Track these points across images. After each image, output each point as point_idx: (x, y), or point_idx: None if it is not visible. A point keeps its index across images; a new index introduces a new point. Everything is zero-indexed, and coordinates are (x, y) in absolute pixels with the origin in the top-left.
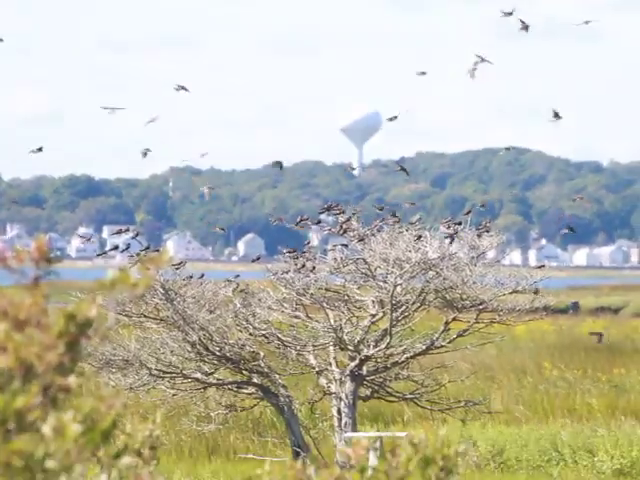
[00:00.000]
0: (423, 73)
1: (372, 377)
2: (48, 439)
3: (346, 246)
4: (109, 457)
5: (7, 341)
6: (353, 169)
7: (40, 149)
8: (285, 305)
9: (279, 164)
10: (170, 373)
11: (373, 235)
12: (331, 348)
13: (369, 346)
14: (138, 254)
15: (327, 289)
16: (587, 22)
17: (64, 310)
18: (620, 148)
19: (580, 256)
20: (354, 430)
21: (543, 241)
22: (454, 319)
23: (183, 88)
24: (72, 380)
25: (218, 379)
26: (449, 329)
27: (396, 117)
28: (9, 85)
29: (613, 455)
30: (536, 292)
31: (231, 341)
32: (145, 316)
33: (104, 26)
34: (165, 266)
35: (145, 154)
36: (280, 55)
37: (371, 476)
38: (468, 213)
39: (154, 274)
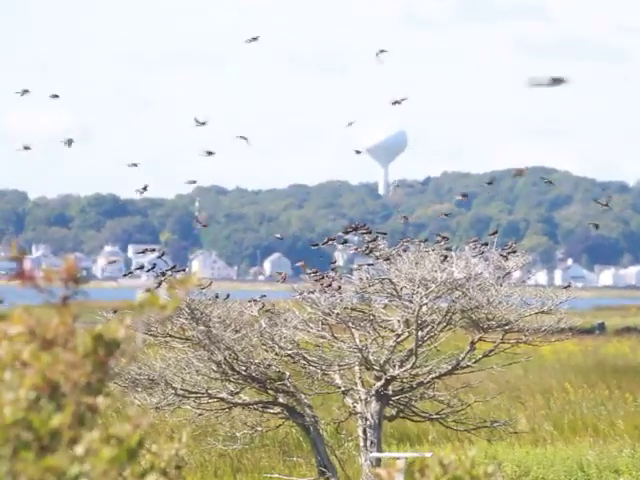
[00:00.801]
0: (384, 51)
1: (398, 397)
2: (81, 458)
3: (372, 265)
4: (135, 476)
5: (34, 360)
6: (400, 100)
7: (211, 153)
8: (311, 325)
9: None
10: (196, 393)
11: (399, 255)
12: (357, 368)
13: (395, 366)
14: (164, 274)
15: (353, 309)
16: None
17: (92, 330)
18: None
19: (606, 276)
20: (379, 450)
21: (569, 261)
22: (480, 339)
23: (202, 124)
24: (100, 400)
25: (244, 399)
26: (475, 349)
27: (399, 102)
28: (36, 102)
29: (638, 476)
30: (568, 286)
31: (257, 361)
32: (171, 336)
33: (132, 44)
34: (193, 288)
35: (68, 142)
36: (305, 74)
37: None
38: (494, 234)
39: (182, 296)
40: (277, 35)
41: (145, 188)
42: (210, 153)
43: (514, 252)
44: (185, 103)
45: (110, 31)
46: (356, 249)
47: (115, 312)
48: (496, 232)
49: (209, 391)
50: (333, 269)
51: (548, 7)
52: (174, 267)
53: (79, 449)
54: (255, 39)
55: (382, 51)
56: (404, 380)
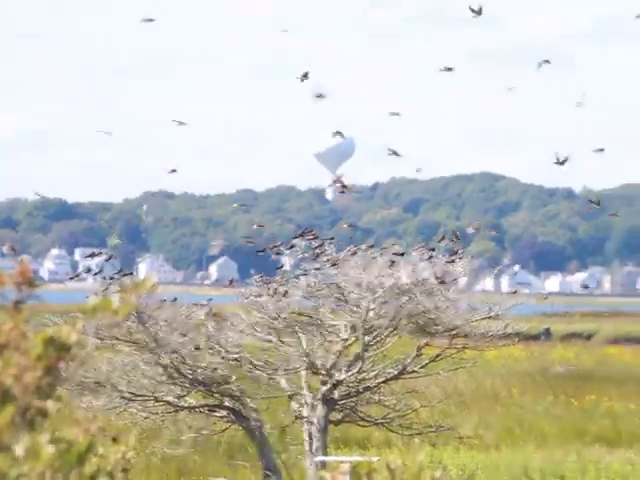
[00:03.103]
0: (396, 114)
1: (344, 401)
2: (21, 460)
3: (319, 269)
4: (83, 479)
5: None
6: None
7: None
8: (257, 329)
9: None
10: (142, 396)
11: (346, 260)
12: (303, 372)
13: (341, 370)
14: (112, 277)
15: (300, 313)
16: (545, 62)
17: (43, 334)
18: (593, 175)
19: (552, 283)
20: (325, 454)
21: (516, 267)
22: (426, 344)
23: (182, 123)
24: (50, 404)
25: (190, 402)
26: (421, 354)
27: (398, 113)
28: None
29: None
30: (545, 298)
31: (203, 364)
32: (118, 339)
33: (82, 50)
34: (146, 293)
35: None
36: (254, 80)
37: None
38: (442, 239)
39: (135, 301)
40: (229, 40)
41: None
42: (181, 123)
43: (461, 258)
44: (133, 108)
45: (60, 36)
46: (303, 254)
47: (64, 316)
48: (444, 238)
49: (155, 394)
50: (280, 274)
51: (500, 14)
52: (121, 270)
53: (19, 450)
54: (151, 20)
55: (448, 69)
56: (350, 385)
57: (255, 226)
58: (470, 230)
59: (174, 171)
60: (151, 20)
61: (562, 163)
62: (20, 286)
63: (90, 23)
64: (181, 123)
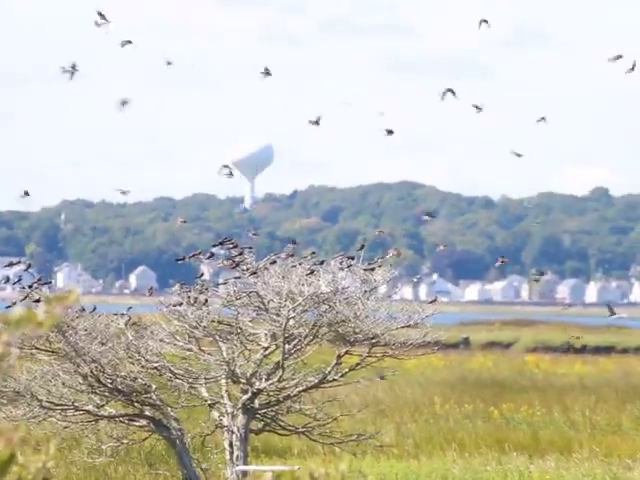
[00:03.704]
0: (316, 123)
1: (264, 410)
2: None
3: (239, 278)
4: None
5: None
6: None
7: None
8: (178, 338)
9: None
10: (62, 405)
11: (266, 269)
12: (223, 381)
13: (261, 379)
14: (30, 286)
15: (220, 322)
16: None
17: None
18: (511, 184)
19: (472, 291)
20: (246, 463)
21: (434, 276)
22: (346, 353)
23: (125, 103)
24: None
25: (110, 411)
26: (341, 363)
27: (392, 132)
28: None
29: None
30: (433, 300)
31: (123, 373)
32: (37, 348)
33: None
34: (71, 305)
35: (25, 194)
36: (173, 88)
37: None
38: (361, 248)
39: (60, 313)
40: (151, 47)
41: (26, 193)
42: (128, 42)
43: (380, 266)
44: (48, 117)
45: None
46: (222, 263)
47: None
48: (363, 246)
49: (75, 403)
50: (199, 283)
51: (414, 24)
52: (40, 279)
53: None
54: (129, 42)
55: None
56: (271, 393)
57: (179, 222)
58: (391, 254)
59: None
60: (129, 42)
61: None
62: None
63: None
64: (124, 103)
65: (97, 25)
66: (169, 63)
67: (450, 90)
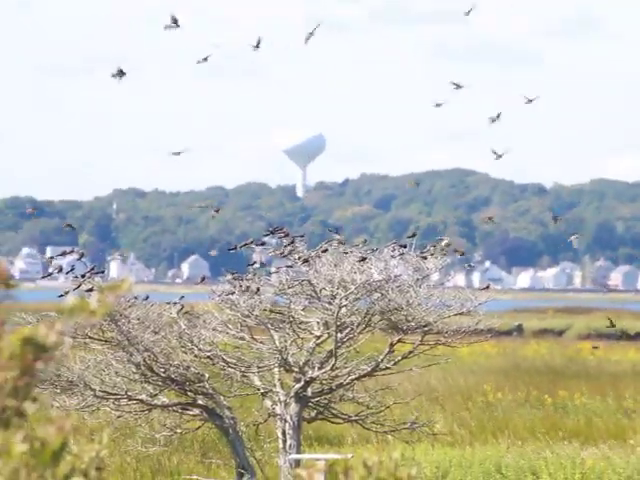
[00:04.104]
0: (438, 105)
1: (317, 399)
2: None
3: (291, 267)
4: (57, 478)
5: None
6: None
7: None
8: (230, 327)
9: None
10: (115, 394)
11: (318, 257)
12: (276, 370)
13: (314, 368)
14: (83, 276)
15: (272, 310)
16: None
17: (19, 333)
18: (563, 171)
19: (524, 278)
20: (298, 452)
21: (487, 263)
22: (399, 341)
23: (175, 23)
24: (27, 405)
25: (163, 401)
26: (394, 351)
27: (460, 86)
28: None
29: (557, 477)
30: (486, 287)
31: (176, 362)
32: (90, 337)
33: (43, 48)
34: (123, 294)
35: None
36: (223, 77)
37: None
38: (413, 235)
39: (113, 302)
40: (195, 37)
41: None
42: (174, 22)
43: (432, 254)
44: (103, 107)
45: (23, 34)
46: (274, 251)
47: (37, 315)
48: (415, 234)
49: (128, 393)
50: (252, 271)
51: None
52: (93, 269)
53: None
54: (176, 24)
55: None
56: (323, 382)
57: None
58: (443, 245)
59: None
60: (176, 23)
61: (500, 156)
62: None
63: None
64: (174, 22)
65: (166, 28)
66: (216, 46)
67: (498, 116)
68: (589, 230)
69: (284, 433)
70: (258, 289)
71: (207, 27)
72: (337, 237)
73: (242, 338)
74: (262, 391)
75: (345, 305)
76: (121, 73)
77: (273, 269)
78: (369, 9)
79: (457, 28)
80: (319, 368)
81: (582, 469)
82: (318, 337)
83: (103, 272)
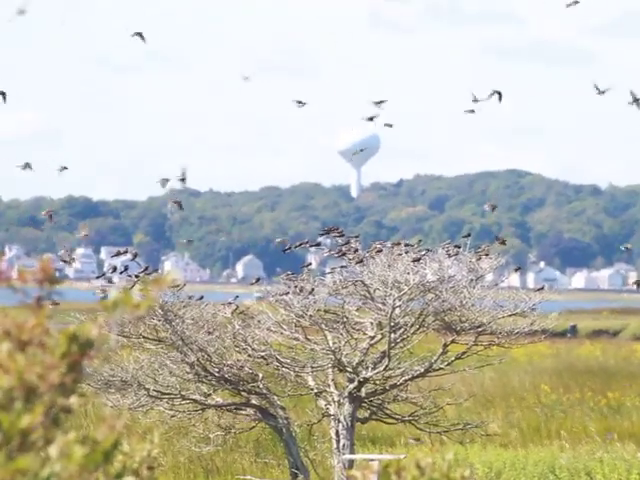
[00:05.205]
0: (472, 111)
1: (370, 399)
2: (53, 460)
3: (345, 267)
4: (109, 477)
5: (10, 361)
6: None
7: (28, 165)
8: (284, 327)
9: None
10: (168, 394)
11: (372, 257)
12: (330, 370)
13: (367, 368)
14: (137, 276)
15: (326, 311)
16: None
17: (66, 331)
18: (618, 171)
19: (578, 279)
20: (352, 452)
21: (542, 264)
22: (452, 341)
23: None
24: (74, 400)
25: (217, 400)
26: (447, 351)
27: (379, 104)
28: (8, 105)
29: (611, 479)
30: (541, 288)
31: (229, 362)
32: (144, 337)
33: (100, 45)
34: (167, 287)
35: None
36: (276, 77)
37: None
38: (467, 236)
39: (156, 295)
40: (246, 37)
41: (28, 165)
42: (300, 103)
43: (487, 255)
44: (154, 105)
45: (78, 33)
46: (329, 252)
47: (90, 314)
48: (469, 235)
49: (182, 392)
50: (306, 271)
51: (516, 11)
52: (147, 269)
53: (53, 450)
54: (140, 35)
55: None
56: (377, 382)
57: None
58: (486, 208)
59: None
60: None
61: (602, 92)
62: (42, 283)
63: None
64: (138, 35)
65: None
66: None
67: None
68: None
69: (337, 433)
70: (312, 289)
71: (257, 24)
72: (355, 242)
73: (296, 338)
74: (316, 391)
75: (399, 306)
76: (141, 36)
77: (328, 269)
78: (421, 8)
79: (510, 27)
80: (372, 369)
81: (637, 470)
82: (372, 338)
83: (157, 272)
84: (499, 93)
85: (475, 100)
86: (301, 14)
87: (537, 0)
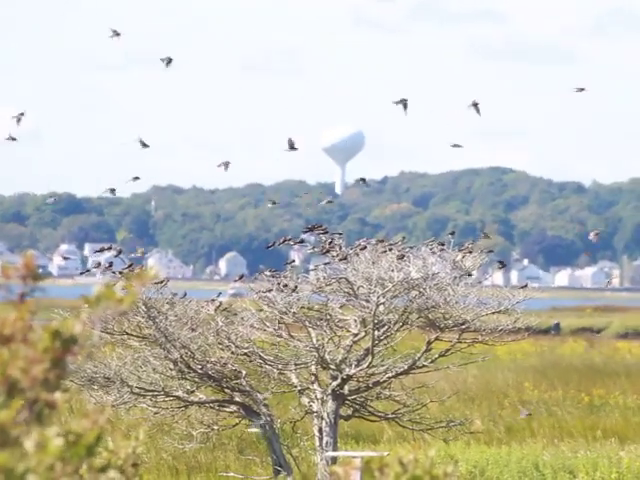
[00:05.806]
0: (403, 103)
1: (354, 396)
2: (30, 454)
3: (329, 264)
4: (93, 471)
5: None
6: (330, 201)
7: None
8: (267, 324)
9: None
10: (152, 391)
11: (356, 255)
12: (313, 367)
13: (351, 365)
14: (121, 272)
15: (309, 308)
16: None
17: (49, 326)
18: (602, 169)
19: (562, 277)
20: (335, 449)
21: (525, 262)
22: (436, 339)
23: (145, 145)
24: (58, 396)
25: (200, 397)
26: (431, 349)
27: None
28: None
29: (594, 477)
30: (524, 286)
31: (213, 359)
32: (127, 334)
33: (82, 44)
34: (149, 282)
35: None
36: (259, 76)
37: None
38: (452, 234)
39: (139, 291)
40: (229, 37)
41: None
42: (145, 145)
43: (470, 252)
44: (138, 104)
45: (58, 31)
46: (313, 249)
47: (73, 310)
48: (453, 232)
49: (165, 389)
50: (290, 268)
51: (499, 10)
52: (131, 265)
53: (28, 444)
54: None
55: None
56: (360, 379)
57: (269, 204)
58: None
59: (145, 145)
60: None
61: (582, 89)
62: (25, 279)
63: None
64: (144, 145)
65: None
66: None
67: (403, 102)
68: (627, 229)
69: (321, 430)
70: (296, 286)
71: (240, 23)
72: (339, 239)
73: (279, 335)
74: (299, 388)
75: (383, 303)
76: (169, 61)
77: (311, 266)
78: (407, 8)
79: (494, 27)
80: (356, 366)
81: (619, 468)
82: (355, 335)
83: (141, 266)
84: (476, 105)
85: (475, 104)
86: (285, 14)
87: (520, 0)
